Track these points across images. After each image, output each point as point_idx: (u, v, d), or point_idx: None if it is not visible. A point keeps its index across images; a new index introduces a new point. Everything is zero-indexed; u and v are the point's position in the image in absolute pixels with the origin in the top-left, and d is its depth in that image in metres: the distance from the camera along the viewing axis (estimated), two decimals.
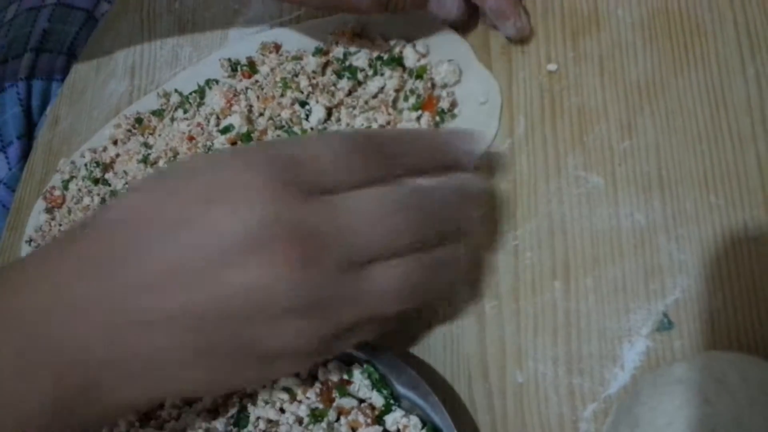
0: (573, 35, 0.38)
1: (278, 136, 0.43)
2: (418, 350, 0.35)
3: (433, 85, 0.40)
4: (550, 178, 0.35)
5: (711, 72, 0.34)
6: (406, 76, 0.41)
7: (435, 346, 0.35)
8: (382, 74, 0.41)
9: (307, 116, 0.42)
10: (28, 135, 0.63)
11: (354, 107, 0.41)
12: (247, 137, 0.44)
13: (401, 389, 0.32)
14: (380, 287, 0.27)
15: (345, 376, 0.33)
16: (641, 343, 0.31)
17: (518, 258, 0.35)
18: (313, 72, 0.44)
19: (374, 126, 0.40)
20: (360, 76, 0.42)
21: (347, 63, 0.43)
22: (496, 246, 0.35)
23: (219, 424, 0.34)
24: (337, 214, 0.26)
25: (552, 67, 0.37)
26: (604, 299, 0.32)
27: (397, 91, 0.40)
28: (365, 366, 0.33)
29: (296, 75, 0.44)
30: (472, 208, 0.30)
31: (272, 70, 0.46)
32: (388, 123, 0.40)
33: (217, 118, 0.46)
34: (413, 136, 0.30)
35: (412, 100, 0.39)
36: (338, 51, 0.44)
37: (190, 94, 0.49)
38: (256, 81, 0.46)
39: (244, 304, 0.25)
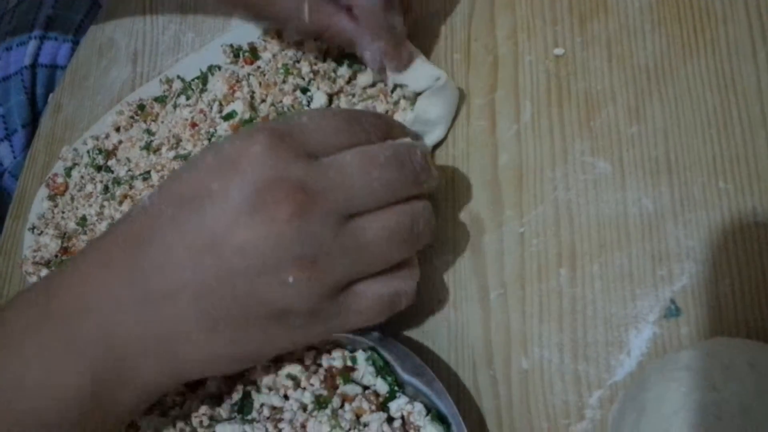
0: (580, 19, 0.37)
1: None
2: (422, 337, 0.35)
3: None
4: (556, 163, 0.35)
5: (721, 56, 0.33)
6: None
7: (439, 334, 0.35)
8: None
9: (309, 103, 0.42)
10: (32, 123, 0.63)
11: (353, 95, 0.41)
12: (249, 124, 0.44)
13: (405, 376, 0.31)
14: (375, 235, 0.29)
15: (349, 363, 0.33)
16: (648, 329, 0.30)
17: (524, 245, 0.34)
18: (315, 58, 0.43)
19: None
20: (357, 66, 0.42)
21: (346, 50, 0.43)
22: (500, 231, 0.35)
23: (223, 410, 0.33)
24: (332, 170, 0.28)
25: (559, 51, 0.37)
26: (610, 286, 0.32)
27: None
28: (369, 353, 0.32)
29: (298, 61, 0.44)
30: (434, 173, 0.32)
31: (274, 56, 0.46)
32: (387, 112, 0.39)
33: (220, 104, 0.46)
34: (387, 123, 0.33)
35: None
36: None
37: (193, 80, 0.49)
38: (258, 67, 0.46)
39: (250, 260, 0.27)
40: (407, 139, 0.32)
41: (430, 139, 0.38)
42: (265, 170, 0.27)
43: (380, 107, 0.39)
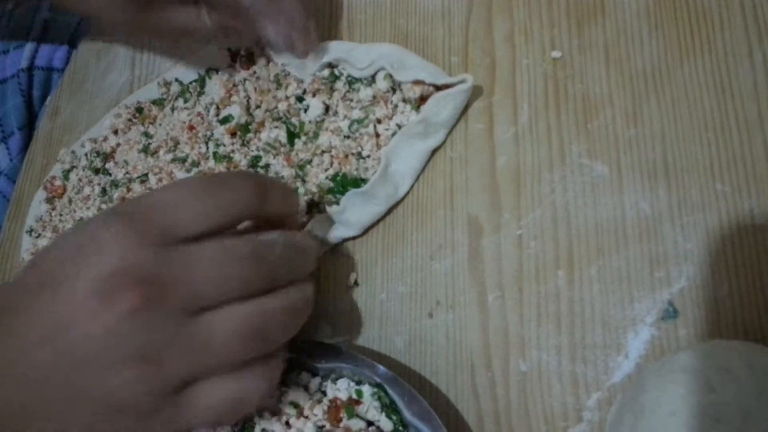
0: (578, 22, 0.37)
1: (276, 127, 0.42)
2: (420, 341, 0.35)
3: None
4: (554, 166, 0.35)
5: (717, 58, 0.33)
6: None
7: (438, 337, 0.35)
8: (371, 85, 0.41)
9: (306, 110, 0.42)
10: (29, 126, 0.62)
11: (351, 100, 0.41)
12: (245, 128, 0.44)
13: (411, 419, 0.31)
14: (222, 332, 0.27)
15: (354, 396, 0.32)
16: (646, 331, 0.30)
17: (522, 247, 0.34)
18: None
19: (372, 118, 0.39)
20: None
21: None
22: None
23: (222, 430, 0.33)
24: (185, 262, 0.27)
25: (556, 54, 0.37)
26: (608, 288, 0.32)
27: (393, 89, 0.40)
28: (376, 388, 0.32)
29: (288, 74, 0.44)
30: (306, 262, 0.32)
31: (268, 63, 0.46)
32: (386, 116, 0.39)
33: (217, 107, 0.46)
34: (259, 183, 0.31)
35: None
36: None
37: (191, 83, 0.49)
38: (254, 72, 0.46)
39: (85, 352, 0.26)
40: (273, 234, 0.30)
41: (430, 143, 0.38)
42: (113, 259, 0.26)
43: (380, 112, 0.39)
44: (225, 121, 0.44)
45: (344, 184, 0.38)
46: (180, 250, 0.28)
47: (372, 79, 0.40)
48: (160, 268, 0.27)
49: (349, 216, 0.38)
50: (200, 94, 0.48)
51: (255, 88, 0.45)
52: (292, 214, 0.33)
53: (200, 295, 0.27)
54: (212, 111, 0.46)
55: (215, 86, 0.47)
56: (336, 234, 0.39)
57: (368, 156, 0.39)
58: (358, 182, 0.38)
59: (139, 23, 0.42)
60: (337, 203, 0.38)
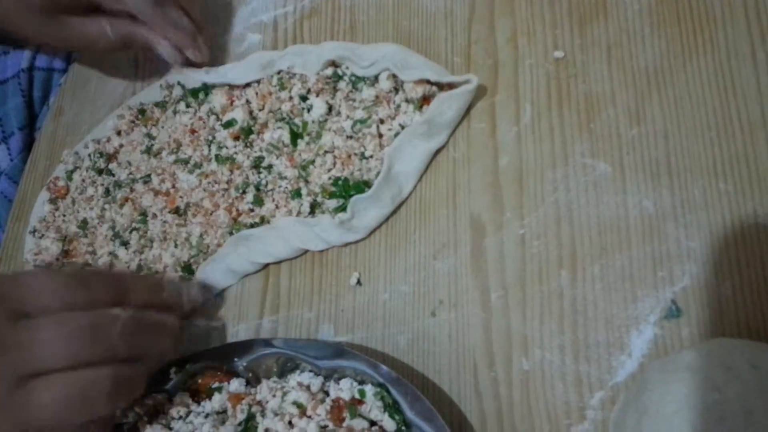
0: (580, 22, 0.37)
1: (279, 128, 0.42)
2: (423, 341, 0.35)
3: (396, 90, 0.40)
4: (557, 165, 0.35)
5: (720, 58, 0.33)
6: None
7: (441, 336, 0.35)
8: (374, 85, 0.41)
9: (309, 110, 0.42)
10: (29, 126, 0.62)
11: (354, 100, 0.41)
12: (248, 132, 0.44)
13: (414, 418, 0.31)
14: (49, 400, 0.31)
15: (357, 396, 0.32)
16: (649, 330, 0.30)
17: (525, 247, 0.34)
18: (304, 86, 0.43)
19: (374, 118, 0.39)
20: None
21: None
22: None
23: (226, 430, 0.33)
24: (25, 332, 0.31)
25: (559, 54, 0.37)
26: (611, 287, 0.32)
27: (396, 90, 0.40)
28: (378, 388, 0.32)
29: (292, 76, 0.44)
30: (155, 340, 0.36)
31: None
32: (389, 117, 0.39)
33: (217, 117, 0.46)
34: (132, 278, 0.37)
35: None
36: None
37: (192, 91, 0.48)
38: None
39: None
40: (118, 310, 0.34)
41: (433, 143, 0.38)
42: None
43: (383, 112, 0.39)
44: (228, 125, 0.44)
45: (346, 188, 0.39)
46: (24, 323, 0.32)
47: (375, 80, 0.40)
48: (7, 336, 0.31)
49: (357, 222, 0.38)
50: (201, 103, 0.48)
51: (256, 93, 0.45)
52: (165, 304, 0.37)
53: (31, 361, 0.31)
54: (213, 118, 0.46)
55: (217, 95, 0.46)
56: (343, 239, 0.39)
57: (371, 156, 0.39)
58: (360, 186, 0.38)
59: (47, 34, 0.47)
60: (344, 209, 0.38)
